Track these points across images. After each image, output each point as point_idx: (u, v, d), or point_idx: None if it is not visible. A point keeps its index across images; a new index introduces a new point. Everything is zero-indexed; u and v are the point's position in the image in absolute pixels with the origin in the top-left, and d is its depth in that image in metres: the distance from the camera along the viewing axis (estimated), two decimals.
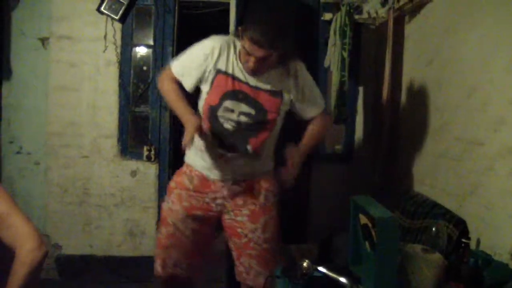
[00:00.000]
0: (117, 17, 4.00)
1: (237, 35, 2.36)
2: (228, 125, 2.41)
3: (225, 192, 2.53)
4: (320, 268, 2.13)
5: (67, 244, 4.16)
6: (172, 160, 4.20)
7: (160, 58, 4.12)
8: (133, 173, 4.15)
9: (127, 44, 4.12)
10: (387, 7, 3.60)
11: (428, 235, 2.50)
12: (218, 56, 2.38)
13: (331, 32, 3.77)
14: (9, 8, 3.98)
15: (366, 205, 2.22)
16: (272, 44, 2.18)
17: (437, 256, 2.17)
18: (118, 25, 4.07)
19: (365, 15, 3.95)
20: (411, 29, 3.61)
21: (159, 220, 2.60)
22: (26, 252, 1.72)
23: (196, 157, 2.54)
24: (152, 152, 4.12)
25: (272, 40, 2.17)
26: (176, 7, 4.14)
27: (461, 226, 2.47)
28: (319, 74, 4.05)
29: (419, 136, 3.33)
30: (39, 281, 1.79)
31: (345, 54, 3.53)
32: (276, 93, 2.42)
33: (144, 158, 4.12)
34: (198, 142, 2.45)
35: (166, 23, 4.12)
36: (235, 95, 2.38)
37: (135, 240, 4.18)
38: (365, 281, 2.12)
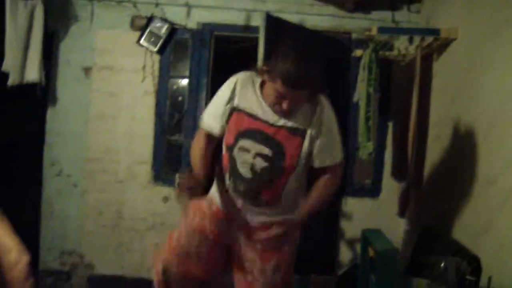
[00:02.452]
0: (155, 50, 4.20)
1: (259, 72, 2.28)
2: (243, 170, 2.30)
3: (239, 225, 2.45)
4: None
5: (100, 264, 4.33)
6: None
7: (195, 89, 4.29)
8: (165, 199, 4.30)
9: (164, 75, 4.32)
10: (414, 44, 3.66)
11: (437, 270, 2.53)
12: (237, 93, 2.31)
13: (360, 68, 3.84)
14: (58, 40, 4.26)
15: (373, 238, 2.28)
16: (307, 83, 2.12)
17: None
18: (156, 57, 4.28)
19: (395, 52, 4.02)
20: (438, 66, 3.65)
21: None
22: (9, 266, 1.90)
23: (217, 195, 2.48)
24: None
25: (307, 80, 2.10)
26: (212, 41, 4.32)
27: (474, 263, 2.47)
28: (350, 109, 4.14)
29: (441, 174, 3.36)
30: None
31: (371, 90, 3.58)
32: (297, 131, 2.28)
33: (176, 185, 4.26)
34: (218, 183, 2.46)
35: (202, 56, 4.29)
36: (251, 134, 2.27)
37: None
38: None
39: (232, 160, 2.33)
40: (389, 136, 4.28)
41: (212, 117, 2.42)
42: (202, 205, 2.49)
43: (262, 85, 2.31)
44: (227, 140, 2.36)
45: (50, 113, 4.32)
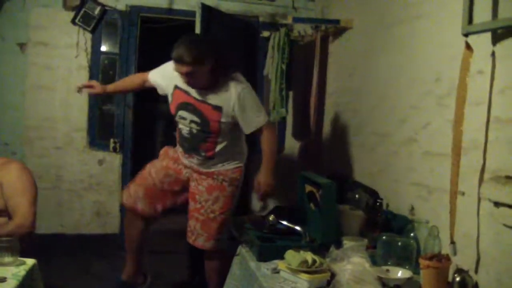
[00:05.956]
0: (89, 29, 4.68)
1: None
2: (184, 132, 3.13)
3: (192, 168, 3.23)
4: (282, 221, 2.98)
5: (40, 225, 4.70)
6: (133, 151, 4.95)
7: (125, 64, 4.86)
8: (100, 162, 4.83)
9: (96, 52, 4.82)
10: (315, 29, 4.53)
11: (352, 200, 3.45)
12: (174, 75, 3.01)
13: (270, 47, 4.67)
14: None
15: (311, 177, 3.13)
16: (186, 60, 2.80)
17: (360, 212, 3.11)
18: (89, 35, 4.75)
19: (295, 33, 4.87)
20: (334, 47, 4.56)
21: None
22: (14, 225, 2.57)
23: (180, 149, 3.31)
24: (117, 144, 4.83)
25: (185, 57, 2.80)
26: (139, 21, 4.88)
27: (374, 195, 3.41)
28: (257, 80, 4.94)
29: (341, 132, 4.28)
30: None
31: (284, 67, 4.42)
32: (217, 108, 3.01)
33: (110, 149, 4.83)
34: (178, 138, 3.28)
35: (131, 35, 4.85)
36: (185, 106, 3.07)
37: (102, 219, 4.88)
38: (312, 231, 3.00)
39: (178, 125, 3.18)
40: (290, 103, 5.15)
41: (158, 74, 3.26)
42: (170, 152, 3.37)
43: None
44: (172, 111, 3.16)
45: None
